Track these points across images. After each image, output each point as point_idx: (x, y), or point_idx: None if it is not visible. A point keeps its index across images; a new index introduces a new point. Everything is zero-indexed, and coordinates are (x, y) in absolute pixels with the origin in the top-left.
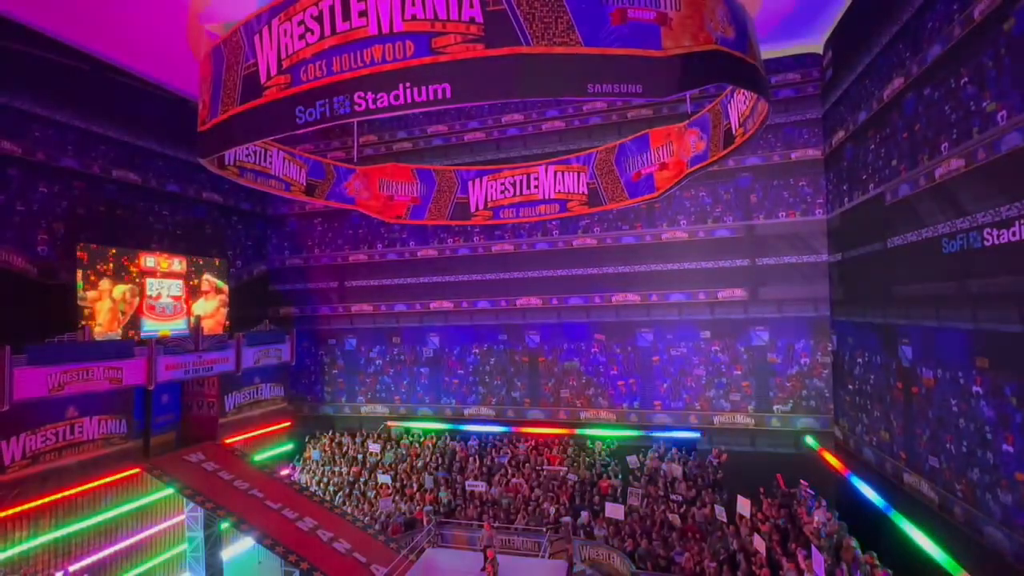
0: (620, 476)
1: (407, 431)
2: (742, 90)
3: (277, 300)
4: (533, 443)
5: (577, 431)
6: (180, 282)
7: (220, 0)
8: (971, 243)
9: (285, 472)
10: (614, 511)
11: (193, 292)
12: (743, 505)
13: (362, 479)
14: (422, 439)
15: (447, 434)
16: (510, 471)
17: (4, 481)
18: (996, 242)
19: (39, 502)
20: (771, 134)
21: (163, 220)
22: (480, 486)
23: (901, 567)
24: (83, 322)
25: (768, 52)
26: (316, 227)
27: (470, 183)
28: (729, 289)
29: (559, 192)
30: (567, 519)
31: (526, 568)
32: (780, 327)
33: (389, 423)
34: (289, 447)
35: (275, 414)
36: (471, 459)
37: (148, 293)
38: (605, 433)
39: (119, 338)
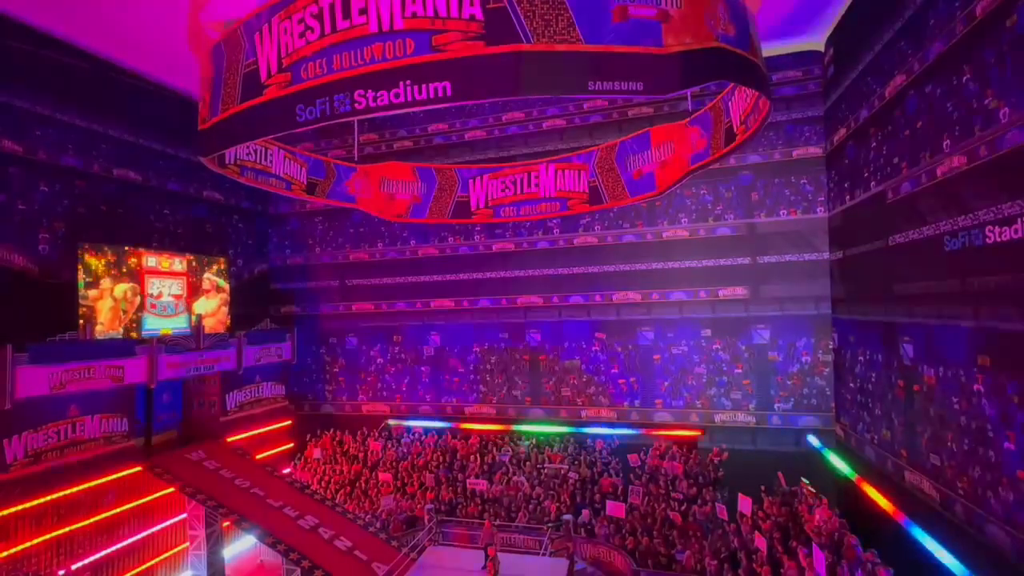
0: (621, 474)
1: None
2: (743, 88)
3: (278, 299)
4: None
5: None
6: (181, 281)
7: None
8: (973, 241)
9: (286, 470)
10: (615, 509)
11: (194, 291)
12: (744, 503)
13: (363, 477)
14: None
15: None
16: (511, 469)
17: (6, 479)
18: (998, 240)
19: (41, 500)
20: (772, 132)
21: (164, 219)
22: (481, 484)
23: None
24: (82, 320)
25: (769, 49)
26: (317, 226)
27: (471, 181)
28: (730, 287)
29: (560, 190)
30: (568, 517)
31: (527, 566)
32: (781, 325)
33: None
34: (290, 445)
35: (276, 412)
36: (472, 457)
37: (149, 292)
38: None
39: (120, 337)
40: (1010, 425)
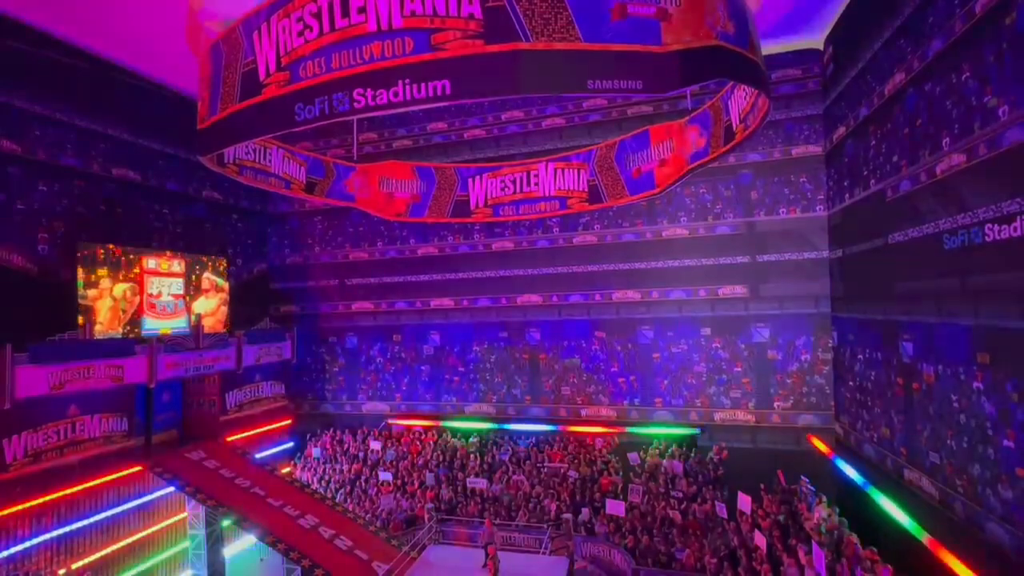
0: (621, 473)
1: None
2: (743, 86)
3: (278, 298)
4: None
5: None
6: (181, 280)
7: None
8: (972, 239)
9: (286, 470)
10: (615, 508)
11: (194, 290)
12: (744, 501)
13: (363, 476)
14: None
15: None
16: (511, 468)
17: (6, 479)
18: (997, 238)
19: (41, 500)
20: (772, 130)
21: (163, 218)
22: (481, 483)
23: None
24: (81, 319)
25: (769, 48)
26: (316, 225)
27: (470, 180)
28: (730, 286)
29: (559, 189)
30: (568, 516)
31: (527, 564)
32: (781, 324)
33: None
34: (290, 445)
35: (276, 412)
36: (472, 456)
37: (149, 291)
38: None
39: (120, 336)
40: (1009, 423)
